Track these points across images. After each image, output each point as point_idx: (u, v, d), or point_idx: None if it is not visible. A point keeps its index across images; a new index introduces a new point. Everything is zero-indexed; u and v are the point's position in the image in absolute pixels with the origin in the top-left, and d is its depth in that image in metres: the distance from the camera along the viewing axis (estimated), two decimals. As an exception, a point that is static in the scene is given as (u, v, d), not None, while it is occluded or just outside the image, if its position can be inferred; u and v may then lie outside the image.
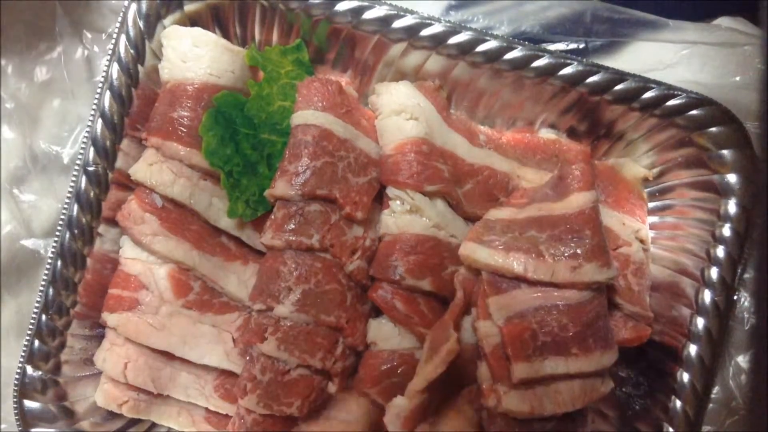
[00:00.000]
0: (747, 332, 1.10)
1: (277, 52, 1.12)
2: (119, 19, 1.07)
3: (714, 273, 1.07)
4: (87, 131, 1.07)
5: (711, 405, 1.08)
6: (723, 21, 1.23)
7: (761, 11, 1.11)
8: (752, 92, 1.15)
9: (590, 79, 1.07)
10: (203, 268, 1.08)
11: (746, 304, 1.13)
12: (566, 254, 0.99)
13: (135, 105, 1.09)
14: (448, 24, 1.08)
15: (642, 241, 1.13)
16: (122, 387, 1.09)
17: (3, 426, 1.16)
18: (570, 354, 0.97)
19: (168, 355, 1.09)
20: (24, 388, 1.06)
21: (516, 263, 0.99)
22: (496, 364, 0.97)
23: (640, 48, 1.19)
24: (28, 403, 1.06)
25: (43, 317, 1.06)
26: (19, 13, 1.22)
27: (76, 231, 1.06)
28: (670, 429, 1.05)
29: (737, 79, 1.17)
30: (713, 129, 1.07)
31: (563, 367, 0.96)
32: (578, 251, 0.99)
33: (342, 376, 1.04)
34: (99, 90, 1.07)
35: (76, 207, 1.06)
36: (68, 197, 1.06)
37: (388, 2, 1.08)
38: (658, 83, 1.07)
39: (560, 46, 1.19)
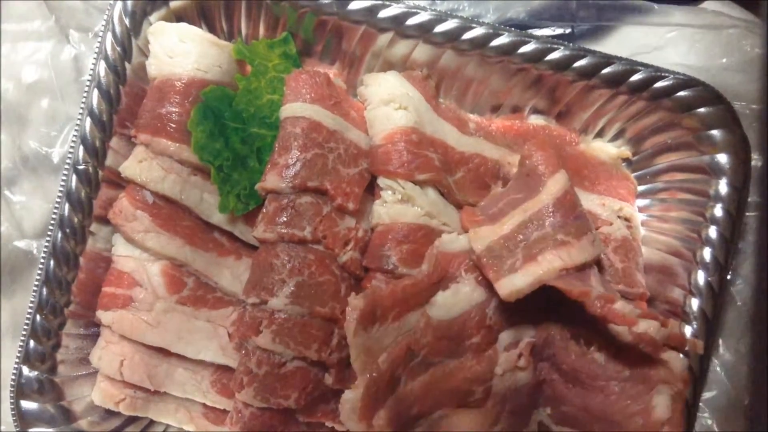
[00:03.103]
0: (742, 318, 1.11)
1: (264, 46, 1.12)
2: (105, 17, 1.07)
3: (707, 254, 1.07)
4: (76, 130, 1.07)
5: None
6: (708, 4, 1.23)
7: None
8: (738, 74, 1.16)
9: (577, 64, 1.07)
10: (196, 263, 1.08)
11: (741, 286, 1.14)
12: (581, 232, 0.97)
13: (123, 103, 1.09)
14: (434, 12, 1.08)
15: (627, 219, 1.13)
16: (119, 385, 1.09)
17: (3, 427, 1.16)
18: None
19: (164, 352, 1.09)
20: (21, 389, 1.06)
21: (554, 262, 0.95)
22: None
23: (627, 32, 1.20)
24: (26, 404, 1.06)
25: (38, 317, 1.06)
26: (5, 14, 1.22)
27: (67, 230, 1.06)
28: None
29: (723, 61, 1.17)
30: (702, 110, 1.07)
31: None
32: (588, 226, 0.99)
33: (338, 367, 1.04)
34: (87, 89, 1.07)
35: (67, 206, 1.06)
36: (59, 197, 1.06)
37: (374, -8, 1.08)
38: (645, 65, 1.07)
39: (547, 31, 1.19)
